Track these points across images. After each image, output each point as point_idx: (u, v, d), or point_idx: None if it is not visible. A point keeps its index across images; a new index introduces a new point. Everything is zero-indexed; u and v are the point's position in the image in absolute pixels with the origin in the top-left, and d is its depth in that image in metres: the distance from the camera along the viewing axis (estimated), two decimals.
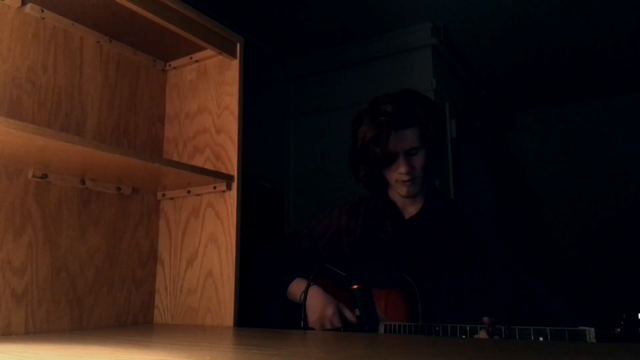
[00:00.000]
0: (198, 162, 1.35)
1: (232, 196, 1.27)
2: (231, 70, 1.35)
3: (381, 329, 1.22)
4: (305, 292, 1.26)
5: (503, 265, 1.41)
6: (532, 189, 4.16)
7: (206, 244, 1.29)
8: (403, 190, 1.40)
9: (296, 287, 1.37)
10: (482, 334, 1.07)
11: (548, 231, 4.03)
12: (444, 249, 1.38)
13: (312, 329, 1.29)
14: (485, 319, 1.09)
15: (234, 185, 1.28)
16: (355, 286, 1.11)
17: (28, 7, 1.12)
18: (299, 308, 1.28)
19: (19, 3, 1.10)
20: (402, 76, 2.94)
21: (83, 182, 1.18)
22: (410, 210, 1.46)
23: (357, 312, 1.10)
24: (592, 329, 0.94)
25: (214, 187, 1.28)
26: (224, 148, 1.32)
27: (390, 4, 2.69)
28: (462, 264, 1.37)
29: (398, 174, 1.38)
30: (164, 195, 1.37)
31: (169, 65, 1.44)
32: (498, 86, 3.76)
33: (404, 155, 1.36)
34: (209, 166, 1.32)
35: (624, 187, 3.75)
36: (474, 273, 1.36)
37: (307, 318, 1.30)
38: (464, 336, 1.10)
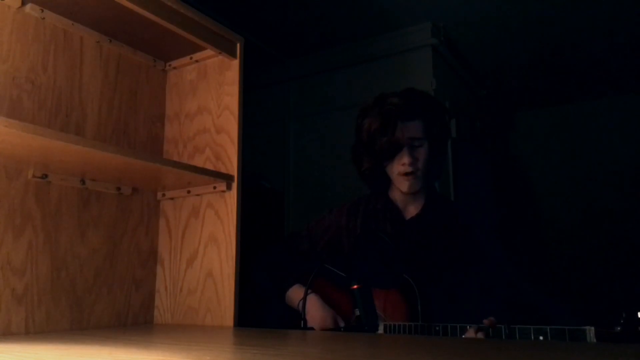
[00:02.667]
0: (198, 162, 1.35)
1: (232, 196, 1.27)
2: (231, 70, 1.35)
3: (381, 329, 1.22)
4: (304, 300, 1.25)
5: (499, 267, 1.42)
6: (531, 189, 4.16)
7: (206, 244, 1.29)
8: (405, 185, 1.39)
9: (294, 294, 1.37)
10: (480, 334, 1.07)
11: (548, 230, 4.03)
12: (444, 249, 1.39)
13: (312, 328, 1.29)
14: (486, 320, 1.09)
15: (234, 185, 1.28)
16: (355, 286, 1.11)
17: (28, 7, 1.12)
18: (298, 314, 1.28)
19: (19, 3, 1.10)
20: (402, 76, 2.93)
21: (83, 182, 1.18)
22: (411, 210, 1.46)
23: (357, 312, 1.10)
24: (592, 328, 0.94)
25: (214, 187, 1.28)
26: (224, 148, 1.32)
27: (391, 4, 2.69)
28: (462, 264, 1.37)
29: (401, 166, 1.38)
30: (164, 195, 1.37)
31: (169, 65, 1.44)
32: (498, 86, 3.76)
33: (408, 147, 1.37)
34: (209, 166, 1.32)
35: (624, 187, 3.75)
36: (473, 273, 1.36)
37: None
38: (464, 336, 1.10)
